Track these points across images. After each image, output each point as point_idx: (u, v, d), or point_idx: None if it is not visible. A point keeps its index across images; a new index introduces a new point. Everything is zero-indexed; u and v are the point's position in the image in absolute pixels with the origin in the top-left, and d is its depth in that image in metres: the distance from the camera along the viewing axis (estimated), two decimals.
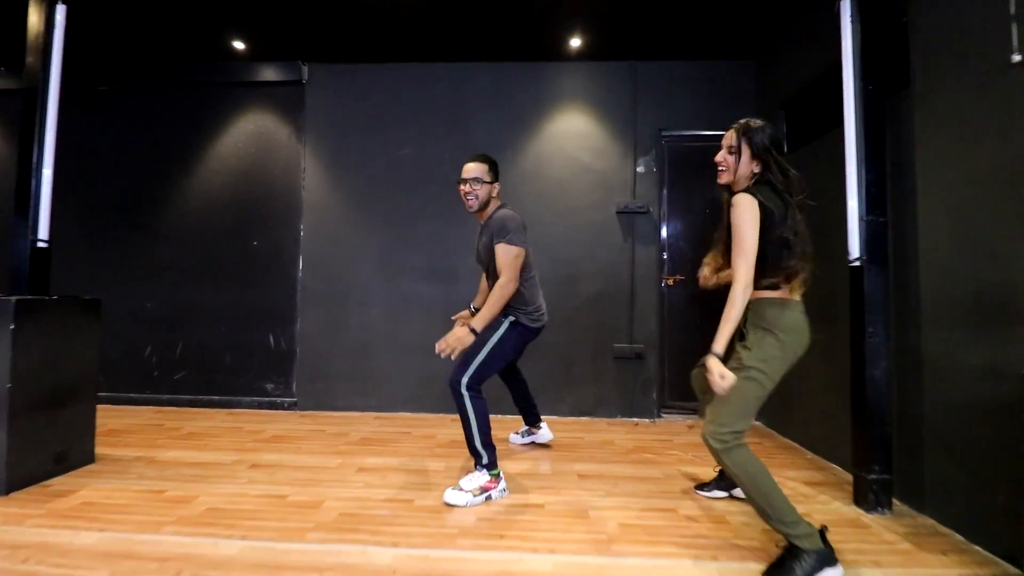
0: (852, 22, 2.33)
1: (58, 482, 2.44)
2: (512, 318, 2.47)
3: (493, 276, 2.47)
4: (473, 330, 2.33)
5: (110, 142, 4.17)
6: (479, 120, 4.01)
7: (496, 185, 2.53)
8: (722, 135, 1.88)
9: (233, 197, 4.09)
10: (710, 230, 3.98)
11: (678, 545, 1.96)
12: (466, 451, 2.64)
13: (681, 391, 3.97)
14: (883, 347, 2.27)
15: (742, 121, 1.82)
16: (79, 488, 2.38)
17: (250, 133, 4.11)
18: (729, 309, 1.66)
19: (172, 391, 4.02)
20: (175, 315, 4.05)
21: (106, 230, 4.13)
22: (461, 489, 2.29)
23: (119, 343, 3.98)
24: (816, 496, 2.43)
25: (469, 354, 2.36)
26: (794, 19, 3.31)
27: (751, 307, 1.81)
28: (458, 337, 2.31)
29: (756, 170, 1.79)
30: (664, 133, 3.94)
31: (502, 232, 2.39)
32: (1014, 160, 1.82)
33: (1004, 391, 1.84)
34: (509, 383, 3.05)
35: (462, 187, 2.47)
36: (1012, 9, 1.74)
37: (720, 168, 1.87)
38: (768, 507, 1.73)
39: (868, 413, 2.28)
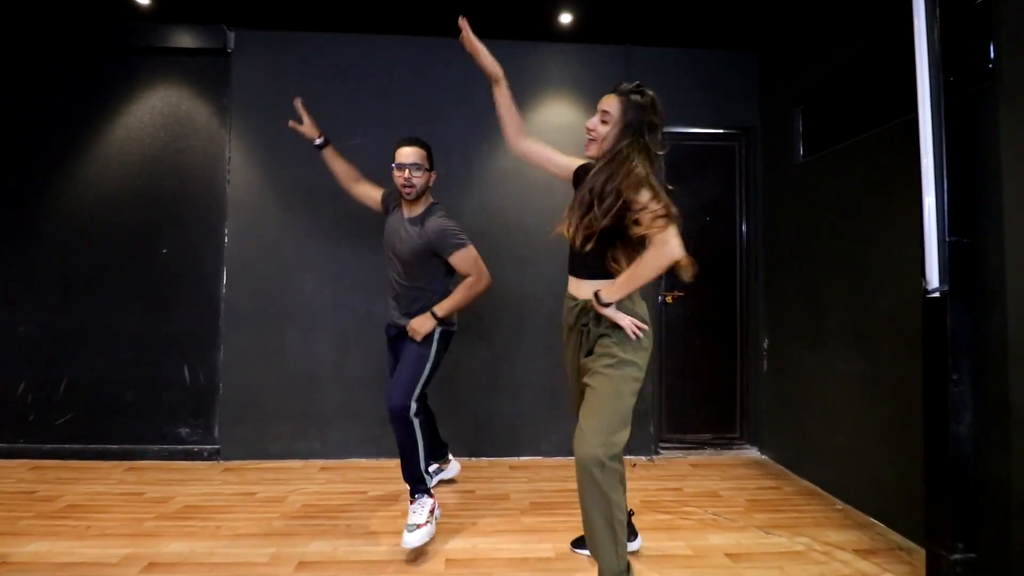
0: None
1: None
2: (441, 327, 2.28)
3: (413, 274, 2.29)
4: (434, 314, 2.22)
5: None
6: (448, 105, 3.37)
7: (433, 174, 2.34)
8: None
9: (136, 193, 3.24)
10: (711, 240, 3.58)
11: None
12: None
13: (679, 422, 3.53)
14: (968, 398, 1.86)
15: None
16: None
17: (158, 112, 3.27)
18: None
19: (54, 440, 3.14)
20: (58, 343, 3.17)
21: None
22: (417, 526, 2.08)
23: None
24: None
25: (414, 373, 2.21)
26: (808, 5, 2.91)
27: None
28: (421, 323, 2.22)
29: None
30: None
31: (451, 241, 2.21)
32: None
33: None
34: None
35: (401, 173, 2.22)
36: None
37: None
38: (618, 544, 1.60)
39: (950, 478, 1.86)
